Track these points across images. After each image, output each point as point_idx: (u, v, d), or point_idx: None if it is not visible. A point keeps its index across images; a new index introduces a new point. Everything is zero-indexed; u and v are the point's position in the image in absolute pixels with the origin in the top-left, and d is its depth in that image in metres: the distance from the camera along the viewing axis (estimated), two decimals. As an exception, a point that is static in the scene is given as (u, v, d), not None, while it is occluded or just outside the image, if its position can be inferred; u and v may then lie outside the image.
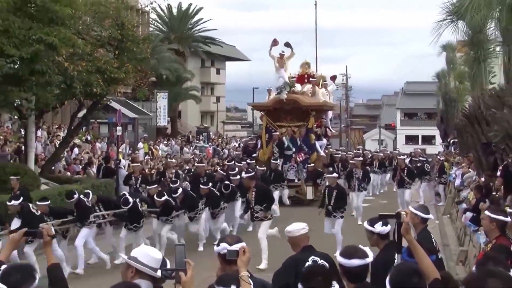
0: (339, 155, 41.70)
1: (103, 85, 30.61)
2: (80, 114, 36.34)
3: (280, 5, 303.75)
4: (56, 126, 48.50)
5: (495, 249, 9.50)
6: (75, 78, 28.87)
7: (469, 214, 21.42)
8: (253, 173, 24.78)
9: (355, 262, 6.88)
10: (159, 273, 6.56)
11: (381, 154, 45.92)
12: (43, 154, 36.72)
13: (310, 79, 43.03)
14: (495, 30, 33.79)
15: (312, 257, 8.73)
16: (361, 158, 38.25)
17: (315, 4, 79.34)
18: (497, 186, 20.57)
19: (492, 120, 25.80)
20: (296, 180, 37.07)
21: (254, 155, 38.90)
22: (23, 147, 34.76)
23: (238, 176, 27.85)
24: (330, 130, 43.97)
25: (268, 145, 37.91)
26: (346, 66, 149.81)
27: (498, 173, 20.52)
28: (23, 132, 36.83)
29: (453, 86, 66.41)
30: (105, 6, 33.21)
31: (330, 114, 46.34)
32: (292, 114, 38.40)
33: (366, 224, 9.03)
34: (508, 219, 10.09)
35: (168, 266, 6.59)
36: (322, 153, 39.13)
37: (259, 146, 39.81)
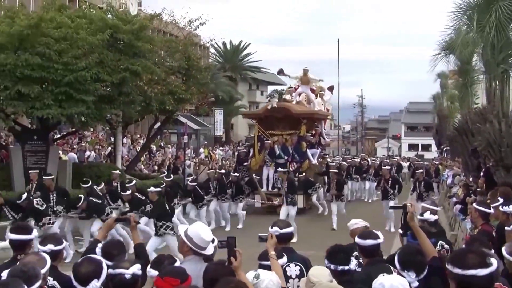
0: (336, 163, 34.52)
1: (173, 104, 30.78)
2: (156, 126, 36.60)
3: (310, 40, 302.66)
4: (138, 135, 48.78)
5: (480, 233, 9.48)
6: (152, 98, 29.05)
7: (458, 206, 21.44)
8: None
9: (369, 242, 6.91)
10: (208, 251, 6.57)
11: (377, 162, 37.76)
12: (127, 156, 36.95)
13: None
14: (479, 62, 33.64)
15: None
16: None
17: (338, 41, 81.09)
18: (480, 184, 20.47)
19: (477, 132, 25.63)
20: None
21: (245, 163, 31.27)
22: (112, 151, 35.10)
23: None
24: (324, 139, 35.82)
25: (260, 153, 30.42)
26: (361, 89, 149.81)
27: (481, 174, 20.37)
28: (112, 140, 37.17)
29: (446, 105, 66.37)
30: (176, 43, 33.45)
31: (325, 123, 38.82)
32: (284, 122, 30.93)
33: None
34: (490, 210, 10.04)
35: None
36: (314, 161, 31.08)
37: (251, 154, 31.39)
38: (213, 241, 6.69)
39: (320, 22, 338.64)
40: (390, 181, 24.69)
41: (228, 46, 76.57)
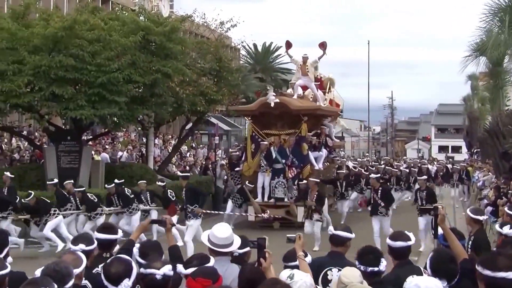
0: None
1: (205, 105, 30.85)
2: (187, 127, 36.72)
3: (340, 42, 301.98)
4: (169, 136, 48.94)
5: (512, 237, 9.32)
6: (184, 99, 29.10)
7: (489, 208, 21.21)
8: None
9: (399, 244, 6.81)
10: (228, 249, 6.61)
11: (397, 170, 32.52)
12: (159, 157, 37.06)
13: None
14: (510, 64, 33.40)
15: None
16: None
17: (368, 43, 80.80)
18: (512, 186, 20.34)
19: (508, 134, 25.60)
20: (285, 199, 24.53)
21: (237, 168, 26.90)
22: (144, 152, 35.25)
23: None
24: (332, 140, 30.01)
25: (255, 156, 25.16)
26: (391, 91, 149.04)
27: (513, 176, 20.26)
28: (144, 140, 37.34)
29: (477, 107, 65.86)
30: (207, 45, 33.58)
31: (336, 120, 33.51)
32: (283, 120, 25.54)
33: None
34: None
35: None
36: (318, 166, 25.87)
37: (243, 158, 26.53)
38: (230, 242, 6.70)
39: (350, 24, 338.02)
40: (380, 193, 19.88)
41: (259, 48, 76.55)
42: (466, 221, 8.93)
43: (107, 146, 37.76)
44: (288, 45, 28.39)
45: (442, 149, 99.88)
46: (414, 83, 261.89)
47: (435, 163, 49.18)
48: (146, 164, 32.24)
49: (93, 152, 30.43)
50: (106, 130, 32.56)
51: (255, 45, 75.04)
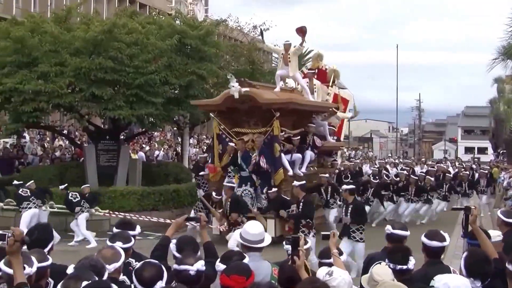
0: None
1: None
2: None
3: (369, 46, 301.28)
4: (204, 136, 49.12)
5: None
6: (218, 100, 29.18)
7: (515, 208, 20.99)
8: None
9: (434, 243, 6.76)
10: (260, 244, 6.65)
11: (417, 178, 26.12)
12: (194, 156, 37.21)
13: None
14: (536, 67, 33.16)
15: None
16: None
17: (397, 47, 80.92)
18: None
19: (533, 136, 25.49)
20: (254, 210, 19.13)
21: (202, 173, 22.37)
22: (180, 151, 35.39)
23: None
24: (326, 139, 23.18)
25: (221, 159, 20.50)
26: (419, 94, 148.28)
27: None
28: (179, 140, 37.48)
29: (503, 109, 65.15)
30: (241, 48, 33.69)
31: (342, 121, 26.60)
32: (255, 116, 20.34)
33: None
34: None
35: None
36: (295, 171, 20.14)
37: (210, 161, 22.06)
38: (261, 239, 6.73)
39: (380, 28, 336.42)
40: (329, 189, 20.08)
41: (291, 51, 76.52)
42: (496, 222, 8.83)
43: (144, 145, 38.00)
44: (261, 33, 24.27)
45: (469, 150, 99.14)
46: (441, 85, 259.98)
47: (456, 163, 46.27)
48: (181, 163, 32.36)
49: (130, 151, 30.61)
50: (143, 129, 32.74)
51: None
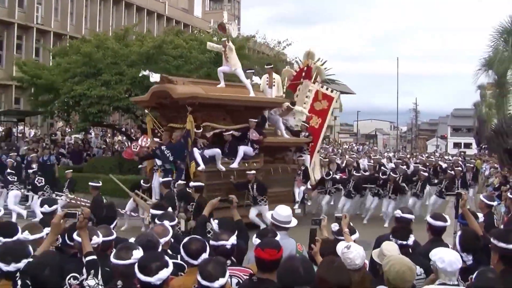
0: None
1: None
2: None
3: (374, 57, 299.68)
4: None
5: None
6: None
7: (495, 193, 20.84)
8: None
9: (439, 223, 6.74)
10: (288, 225, 6.69)
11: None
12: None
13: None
14: (512, 76, 33.17)
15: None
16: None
17: (397, 59, 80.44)
18: (513, 175, 20.13)
19: (510, 134, 25.26)
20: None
21: (140, 166, 19.22)
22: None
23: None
24: (263, 135, 17.53)
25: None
26: (416, 98, 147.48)
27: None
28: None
29: (485, 111, 64.89)
30: (267, 60, 33.58)
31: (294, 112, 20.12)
32: (183, 111, 16.13)
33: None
34: None
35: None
36: (218, 166, 16.31)
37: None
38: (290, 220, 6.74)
39: (383, 42, 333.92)
40: (255, 185, 16.31)
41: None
42: (478, 205, 8.86)
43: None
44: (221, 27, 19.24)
45: (457, 145, 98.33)
46: (434, 91, 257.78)
47: (445, 157, 42.67)
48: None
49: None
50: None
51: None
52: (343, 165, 23.95)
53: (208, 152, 16.19)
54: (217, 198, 7.52)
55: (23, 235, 5.60)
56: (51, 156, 23.95)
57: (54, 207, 7.50)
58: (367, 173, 20.71)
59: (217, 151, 16.27)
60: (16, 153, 23.26)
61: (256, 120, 17.46)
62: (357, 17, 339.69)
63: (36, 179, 19.27)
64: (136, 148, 18.08)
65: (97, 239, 5.48)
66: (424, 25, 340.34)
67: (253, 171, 16.63)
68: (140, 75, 18.09)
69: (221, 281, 4.45)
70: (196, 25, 54.83)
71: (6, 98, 44.50)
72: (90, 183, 14.42)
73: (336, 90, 22.62)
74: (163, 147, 16.06)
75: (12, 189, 18.91)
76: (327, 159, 23.62)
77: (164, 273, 4.33)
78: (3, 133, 32.65)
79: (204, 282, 4.44)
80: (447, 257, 5.05)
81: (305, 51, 22.80)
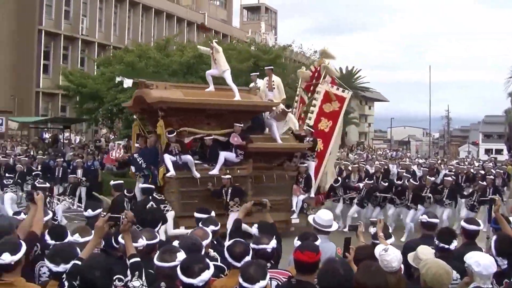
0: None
1: (301, 115, 30.78)
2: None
3: (404, 66, 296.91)
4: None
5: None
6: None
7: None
8: None
9: (472, 227, 6.66)
10: (329, 229, 6.72)
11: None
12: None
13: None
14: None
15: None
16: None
17: (430, 67, 79.59)
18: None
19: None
20: None
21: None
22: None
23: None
24: (244, 139, 15.35)
25: None
26: (448, 105, 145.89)
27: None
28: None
29: (515, 118, 64.18)
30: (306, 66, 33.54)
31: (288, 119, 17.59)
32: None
33: None
34: None
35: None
36: (193, 173, 14.70)
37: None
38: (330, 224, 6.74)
39: (413, 50, 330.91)
40: (230, 190, 14.61)
41: (344, 71, 76.14)
42: (510, 209, 8.72)
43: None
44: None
45: (488, 151, 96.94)
46: (466, 98, 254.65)
47: (475, 163, 37.05)
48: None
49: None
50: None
51: (340, 69, 74.90)
52: (373, 171, 21.97)
53: (182, 159, 14.71)
54: (250, 202, 7.50)
55: (73, 237, 5.75)
56: (95, 161, 24.25)
57: (98, 211, 7.60)
58: (399, 182, 18.51)
59: (189, 158, 14.75)
60: (62, 159, 23.60)
61: (241, 125, 15.54)
62: (386, 26, 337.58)
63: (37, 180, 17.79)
64: (113, 156, 17.76)
65: (142, 241, 5.54)
66: (455, 32, 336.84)
67: (228, 176, 14.82)
68: (116, 81, 17.93)
69: (262, 283, 4.46)
70: (234, 35, 55.06)
71: (52, 106, 45.35)
72: (111, 183, 14.19)
73: (349, 90, 19.51)
74: (135, 155, 15.14)
75: (7, 191, 18.22)
76: (356, 165, 21.88)
77: (206, 275, 4.37)
78: (50, 139, 33.24)
79: (245, 284, 4.45)
80: (482, 261, 5.02)
81: (320, 50, 20.54)
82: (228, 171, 14.97)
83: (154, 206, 10.98)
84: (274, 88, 17.14)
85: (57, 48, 45.60)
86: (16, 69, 43.23)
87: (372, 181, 18.42)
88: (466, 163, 33.01)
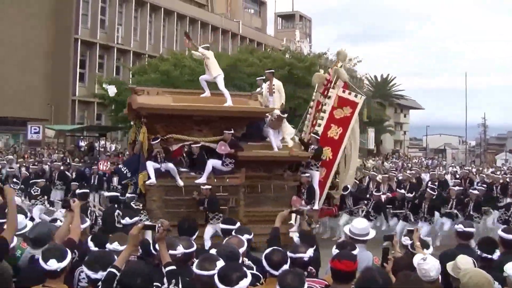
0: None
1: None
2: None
3: (440, 73, 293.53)
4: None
5: None
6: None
7: None
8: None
9: (510, 236, 6.55)
10: (366, 237, 6.69)
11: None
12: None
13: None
14: None
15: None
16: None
17: (465, 74, 78.62)
18: None
19: None
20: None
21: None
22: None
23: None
24: (232, 147, 14.41)
25: None
26: (484, 112, 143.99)
27: None
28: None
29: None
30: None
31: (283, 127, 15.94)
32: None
33: None
34: None
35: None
36: (177, 182, 14.04)
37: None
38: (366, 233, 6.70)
39: (446, 57, 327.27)
40: (206, 202, 13.78)
41: (379, 78, 75.65)
42: None
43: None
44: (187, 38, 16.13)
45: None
46: (503, 105, 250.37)
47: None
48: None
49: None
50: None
51: (375, 76, 74.57)
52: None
53: (163, 167, 14.17)
54: (287, 210, 7.48)
55: (112, 245, 5.84)
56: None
57: (135, 219, 7.67)
58: (410, 195, 16.92)
59: (170, 166, 14.17)
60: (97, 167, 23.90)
61: (231, 132, 14.69)
62: (415, 34, 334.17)
63: (33, 188, 17.99)
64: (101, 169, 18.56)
65: (180, 249, 5.59)
66: (488, 37, 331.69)
67: (208, 186, 14.06)
68: (106, 89, 17.52)
69: (300, 291, 4.47)
70: (269, 44, 55.26)
71: (88, 114, 46.03)
72: (105, 194, 14.13)
73: (362, 94, 18.49)
74: (120, 165, 14.92)
75: (36, 204, 17.64)
76: (386, 175, 20.98)
77: (244, 283, 4.39)
78: (86, 147, 33.70)
79: (283, 292, 4.47)
80: None
81: (336, 52, 19.62)
82: (216, 180, 14.32)
83: (121, 214, 9.83)
84: (274, 92, 16.37)
85: (92, 57, 46.33)
86: (52, 78, 44.04)
87: (380, 193, 17.48)
88: (502, 172, 31.00)
